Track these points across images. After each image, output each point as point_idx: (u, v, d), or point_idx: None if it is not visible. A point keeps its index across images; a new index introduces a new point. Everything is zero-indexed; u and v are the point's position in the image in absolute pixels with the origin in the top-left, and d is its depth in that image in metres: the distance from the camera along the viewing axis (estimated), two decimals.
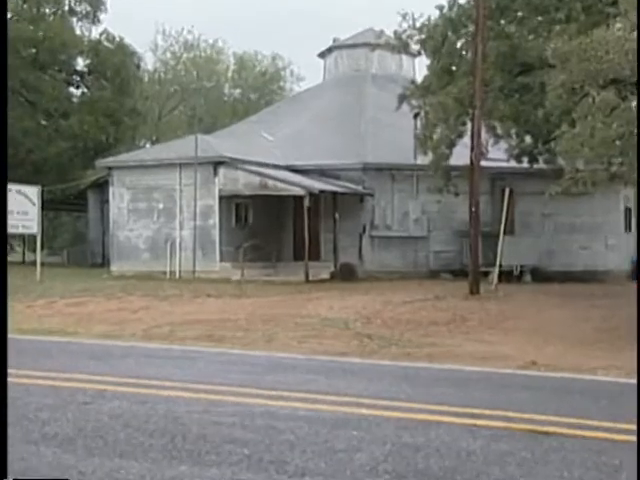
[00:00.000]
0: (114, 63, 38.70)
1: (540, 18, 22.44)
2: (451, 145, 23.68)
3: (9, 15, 34.30)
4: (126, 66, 39.48)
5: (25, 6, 38.83)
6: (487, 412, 7.51)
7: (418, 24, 24.37)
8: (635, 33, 14.70)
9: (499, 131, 23.75)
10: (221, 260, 26.61)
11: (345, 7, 78.20)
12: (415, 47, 25.77)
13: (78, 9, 39.76)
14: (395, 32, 25.43)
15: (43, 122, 38.26)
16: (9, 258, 30.55)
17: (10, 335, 9.12)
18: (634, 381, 9.19)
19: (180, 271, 26.70)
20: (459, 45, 24.41)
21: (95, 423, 6.81)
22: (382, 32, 28.92)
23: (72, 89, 40.80)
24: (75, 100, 40.46)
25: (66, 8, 39.62)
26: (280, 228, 29.17)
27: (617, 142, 15.14)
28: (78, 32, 39.95)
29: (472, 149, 21.50)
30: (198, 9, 77.80)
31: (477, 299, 19.92)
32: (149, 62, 53.64)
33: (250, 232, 27.73)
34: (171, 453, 5.96)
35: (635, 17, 14.87)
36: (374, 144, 29.20)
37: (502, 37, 22.77)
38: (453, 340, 14.25)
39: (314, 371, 10.43)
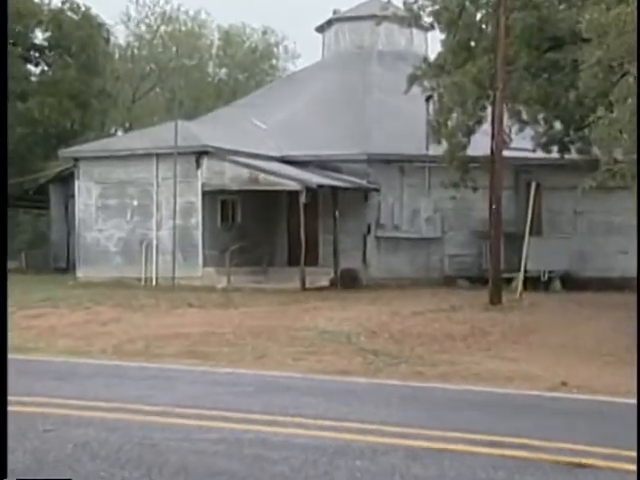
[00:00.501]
0: (79, 37, 38.50)
1: None
2: (469, 133, 23.72)
3: None
4: (93, 40, 39.29)
5: None
6: (510, 440, 7.52)
7: None
8: None
9: (524, 116, 23.78)
10: (204, 265, 26.61)
11: None
12: (427, 19, 25.84)
13: None
14: (404, 2, 25.52)
15: None
16: None
17: None
18: None
19: (157, 278, 26.71)
20: (479, 17, 24.44)
21: (58, 453, 6.82)
22: (389, 2, 28.98)
23: (30, 66, 40.54)
24: (34, 79, 40.20)
25: None
26: (272, 228, 29.20)
27: None
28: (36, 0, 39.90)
29: (493, 137, 21.54)
30: None
31: (499, 310, 19.95)
32: (120, 36, 53.78)
33: (238, 233, 27.73)
34: None
35: None
36: (380, 132, 29.22)
37: (529, 7, 22.76)
38: (471, 357, 14.27)
39: (312, 392, 10.45)
